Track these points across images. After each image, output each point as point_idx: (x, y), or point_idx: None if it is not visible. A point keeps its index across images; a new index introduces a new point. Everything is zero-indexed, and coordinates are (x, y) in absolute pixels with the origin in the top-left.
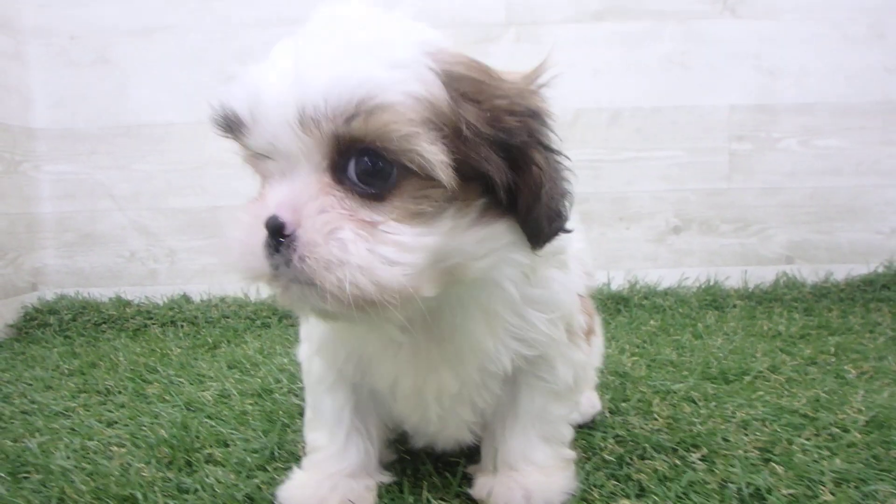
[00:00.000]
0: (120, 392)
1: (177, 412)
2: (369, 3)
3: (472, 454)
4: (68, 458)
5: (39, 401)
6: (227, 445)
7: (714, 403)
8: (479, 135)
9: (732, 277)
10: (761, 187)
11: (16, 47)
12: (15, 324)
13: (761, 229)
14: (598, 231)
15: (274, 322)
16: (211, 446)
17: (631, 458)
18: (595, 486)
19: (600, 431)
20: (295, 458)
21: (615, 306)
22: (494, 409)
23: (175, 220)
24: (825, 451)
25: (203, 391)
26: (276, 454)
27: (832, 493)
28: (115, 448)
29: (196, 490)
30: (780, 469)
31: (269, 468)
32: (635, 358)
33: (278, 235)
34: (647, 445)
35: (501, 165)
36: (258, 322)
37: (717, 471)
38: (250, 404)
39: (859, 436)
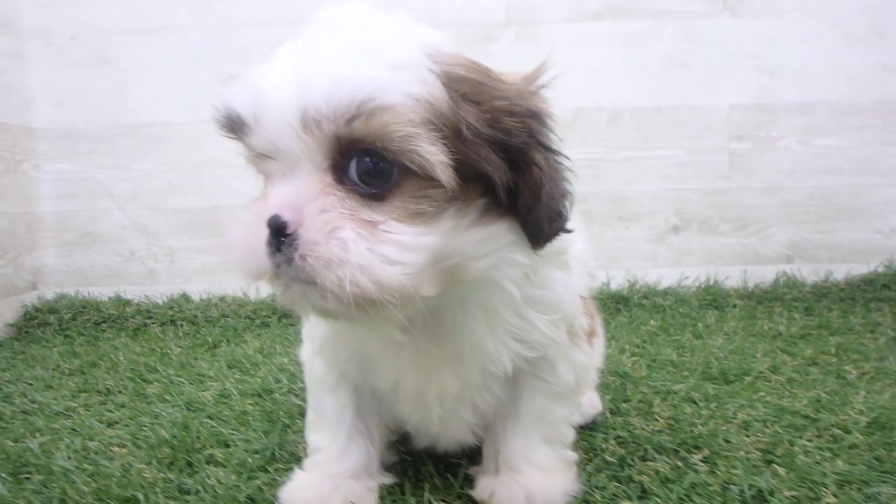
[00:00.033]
0: (120, 392)
1: (177, 412)
2: (370, 4)
3: (473, 455)
4: (69, 458)
5: (40, 400)
6: (227, 446)
7: (715, 404)
8: (478, 135)
9: (732, 277)
10: (761, 187)
11: (16, 47)
12: (15, 323)
13: (761, 229)
14: (598, 230)
15: (273, 321)
16: (212, 447)
17: (632, 460)
18: (597, 487)
19: (601, 432)
20: (296, 458)
21: (615, 306)
22: (496, 410)
23: (175, 220)
24: (827, 452)
25: (203, 391)
26: (277, 455)
27: (835, 496)
28: (116, 448)
29: (197, 491)
30: (781, 471)
31: (270, 469)
32: (635, 358)
33: (280, 235)
34: (648, 447)
35: (501, 166)
36: (258, 321)
37: (718, 472)
38: (251, 404)
39: (861, 437)
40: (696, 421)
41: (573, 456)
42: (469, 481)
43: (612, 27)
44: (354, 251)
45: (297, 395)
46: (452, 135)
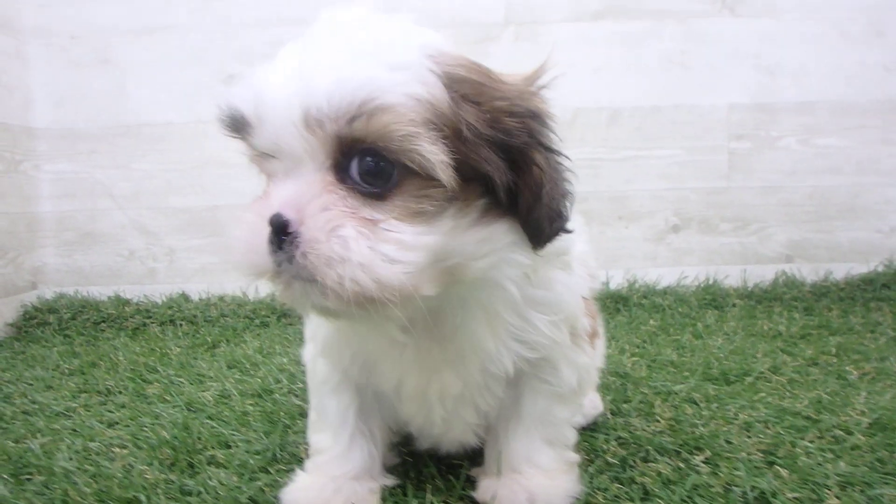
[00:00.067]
0: (120, 392)
1: (178, 413)
2: (371, 5)
3: (475, 457)
4: (71, 459)
5: (40, 401)
6: (228, 447)
7: (716, 405)
8: (479, 136)
9: (732, 276)
10: (761, 186)
11: (16, 47)
12: (15, 322)
13: (761, 228)
14: (598, 230)
15: (273, 321)
16: (213, 448)
17: (634, 461)
18: (599, 489)
19: (602, 433)
20: (297, 459)
21: (614, 305)
22: (498, 411)
23: (174, 220)
24: (829, 453)
25: (203, 391)
26: (279, 456)
27: (837, 497)
28: (117, 449)
29: (199, 492)
30: (784, 472)
31: (271, 470)
32: (635, 358)
33: (282, 233)
34: (649, 448)
35: (502, 166)
36: (257, 321)
37: (721, 474)
38: (251, 405)
39: (863, 438)
40: (698, 422)
41: (575, 457)
42: (471, 483)
43: (611, 27)
44: (355, 249)
45: (297, 396)
46: (453, 135)
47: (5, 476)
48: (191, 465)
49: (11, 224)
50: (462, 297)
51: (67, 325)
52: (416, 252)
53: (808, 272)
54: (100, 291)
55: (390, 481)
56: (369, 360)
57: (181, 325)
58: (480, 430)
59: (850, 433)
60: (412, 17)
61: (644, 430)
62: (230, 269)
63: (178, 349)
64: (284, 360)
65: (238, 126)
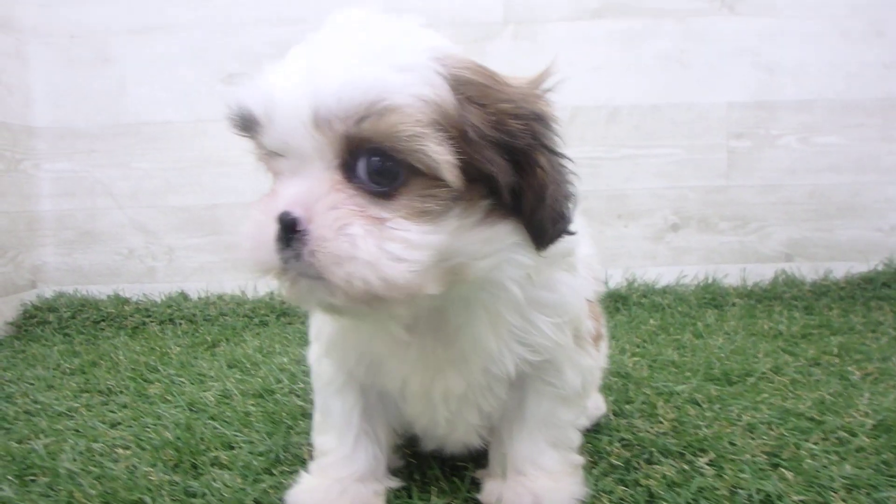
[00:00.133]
0: (122, 392)
1: (179, 413)
2: (371, 5)
3: (479, 459)
4: (75, 460)
5: (42, 401)
6: (231, 448)
7: (718, 406)
8: (484, 137)
9: (731, 275)
10: (760, 185)
11: (16, 46)
12: (14, 321)
13: (760, 227)
14: (597, 229)
15: (272, 320)
16: (216, 449)
17: (638, 463)
18: (604, 491)
19: (606, 435)
20: (300, 461)
21: (614, 304)
22: (502, 413)
23: (173, 218)
24: (834, 456)
25: (205, 391)
26: (282, 457)
27: (844, 501)
28: (121, 450)
29: (204, 494)
30: (789, 475)
31: (275, 471)
32: (636, 358)
33: (290, 230)
34: (653, 450)
35: (506, 167)
36: (256, 320)
37: (726, 476)
38: (252, 405)
39: (867, 440)
40: (701, 423)
41: (580, 460)
42: (476, 485)
43: (610, 25)
44: (363, 247)
45: (298, 396)
46: (458, 136)
47: (10, 477)
48: (194, 467)
49: (11, 223)
50: (465, 297)
51: (67, 323)
52: (421, 251)
53: (808, 271)
54: (99, 290)
55: (395, 483)
56: (374, 360)
57: (180, 323)
58: (484, 432)
59: (854, 435)
60: (415, 18)
61: (647, 431)
62: (230, 268)
63: (178, 348)
64: (285, 359)
65: (247, 125)
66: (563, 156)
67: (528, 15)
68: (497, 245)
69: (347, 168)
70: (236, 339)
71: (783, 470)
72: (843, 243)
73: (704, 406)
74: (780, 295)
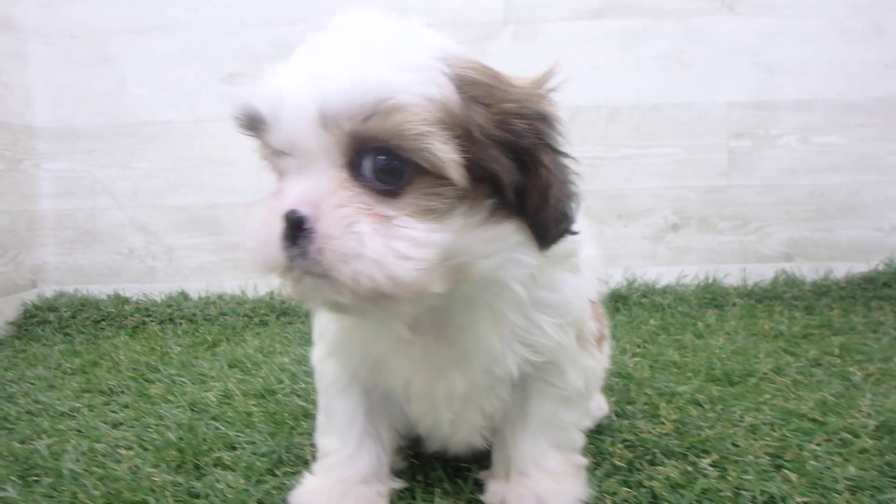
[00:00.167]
0: (123, 392)
1: (181, 413)
2: (377, 8)
3: (483, 460)
4: (78, 461)
5: (44, 401)
6: (234, 449)
7: (720, 406)
8: (488, 136)
9: (731, 275)
10: (760, 184)
11: (17, 46)
12: (15, 321)
13: (760, 227)
14: (597, 229)
15: (272, 319)
16: (219, 449)
17: (641, 464)
18: (607, 493)
19: (608, 436)
20: (303, 461)
21: (614, 304)
22: (504, 414)
23: (174, 218)
24: (837, 457)
25: (206, 391)
26: (284, 458)
27: (847, 502)
28: (124, 451)
29: (207, 495)
30: (793, 476)
31: (278, 472)
32: (637, 358)
33: (297, 228)
34: (656, 451)
35: (510, 166)
36: (256, 319)
37: (729, 478)
38: (254, 405)
39: (870, 441)
40: (703, 424)
41: (583, 461)
42: (479, 486)
43: (610, 25)
44: (370, 245)
45: (299, 396)
46: (463, 135)
47: (13, 478)
48: (197, 468)
49: (12, 222)
50: (468, 296)
51: (67, 323)
52: (427, 249)
53: (808, 271)
54: (99, 290)
55: (398, 484)
56: (378, 359)
57: (181, 323)
58: (487, 433)
59: (857, 436)
60: (420, 19)
61: (650, 432)
62: (230, 267)
63: (179, 348)
64: (285, 359)
65: (254, 124)
66: (566, 155)
67: (528, 15)
68: (501, 244)
69: (353, 167)
70: (237, 339)
71: (786, 471)
72: (844, 243)
73: (706, 407)
74: (781, 295)
